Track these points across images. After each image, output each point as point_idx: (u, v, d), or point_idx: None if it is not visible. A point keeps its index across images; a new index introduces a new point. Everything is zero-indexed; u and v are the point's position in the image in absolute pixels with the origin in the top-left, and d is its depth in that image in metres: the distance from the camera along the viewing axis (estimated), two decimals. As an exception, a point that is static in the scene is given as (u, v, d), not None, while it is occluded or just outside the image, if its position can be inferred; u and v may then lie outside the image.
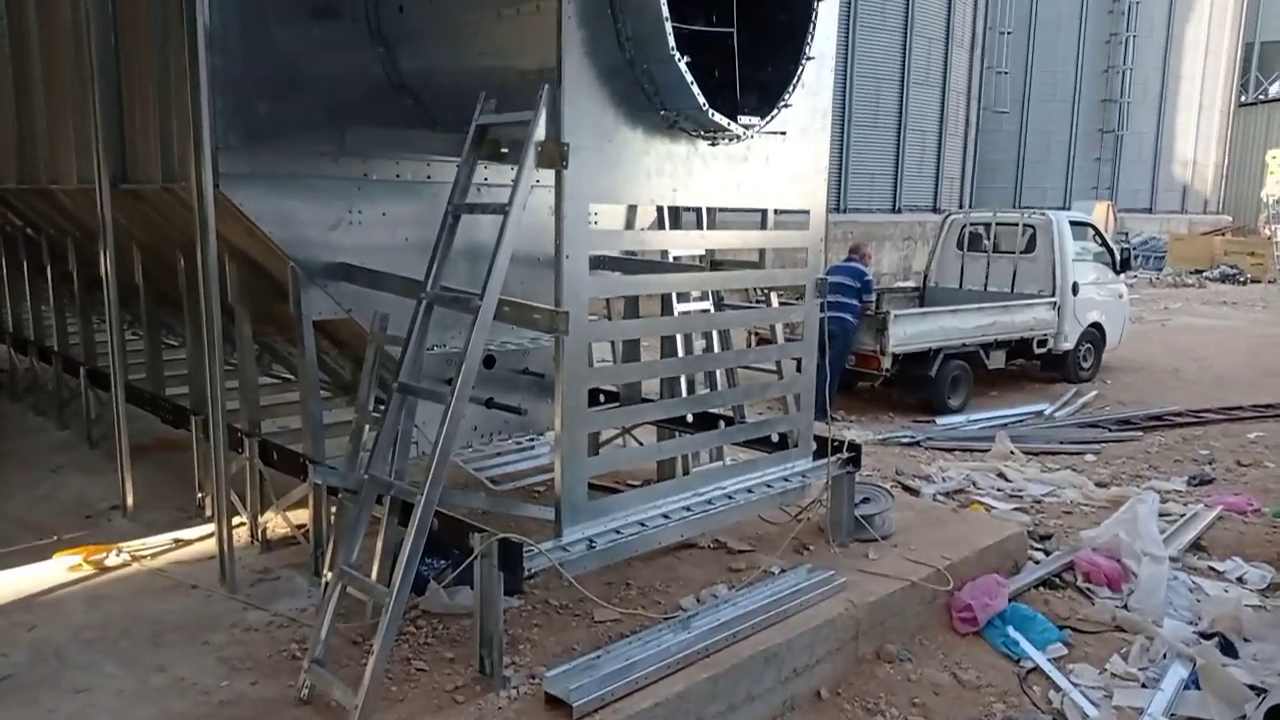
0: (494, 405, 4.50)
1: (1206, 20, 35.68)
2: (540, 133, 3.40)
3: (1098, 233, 12.89)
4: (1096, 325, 12.39)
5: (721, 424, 5.02)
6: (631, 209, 5.40)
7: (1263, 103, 46.02)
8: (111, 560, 4.75)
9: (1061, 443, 9.06)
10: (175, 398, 5.89)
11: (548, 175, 3.49)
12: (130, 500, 5.37)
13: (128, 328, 6.61)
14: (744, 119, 3.91)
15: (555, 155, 3.38)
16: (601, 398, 5.47)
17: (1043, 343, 11.77)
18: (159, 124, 4.56)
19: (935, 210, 23.57)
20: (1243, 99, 43.02)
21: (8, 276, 8.30)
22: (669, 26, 3.37)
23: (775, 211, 4.84)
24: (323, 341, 4.70)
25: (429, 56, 4.34)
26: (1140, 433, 9.54)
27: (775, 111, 4.01)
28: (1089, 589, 5.22)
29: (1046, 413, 10.58)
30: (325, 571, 4.12)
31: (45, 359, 7.60)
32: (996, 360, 11.31)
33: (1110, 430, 9.60)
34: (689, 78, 3.52)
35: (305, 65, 4.24)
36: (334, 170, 4.32)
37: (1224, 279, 28.25)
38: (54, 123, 5.82)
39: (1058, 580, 5.29)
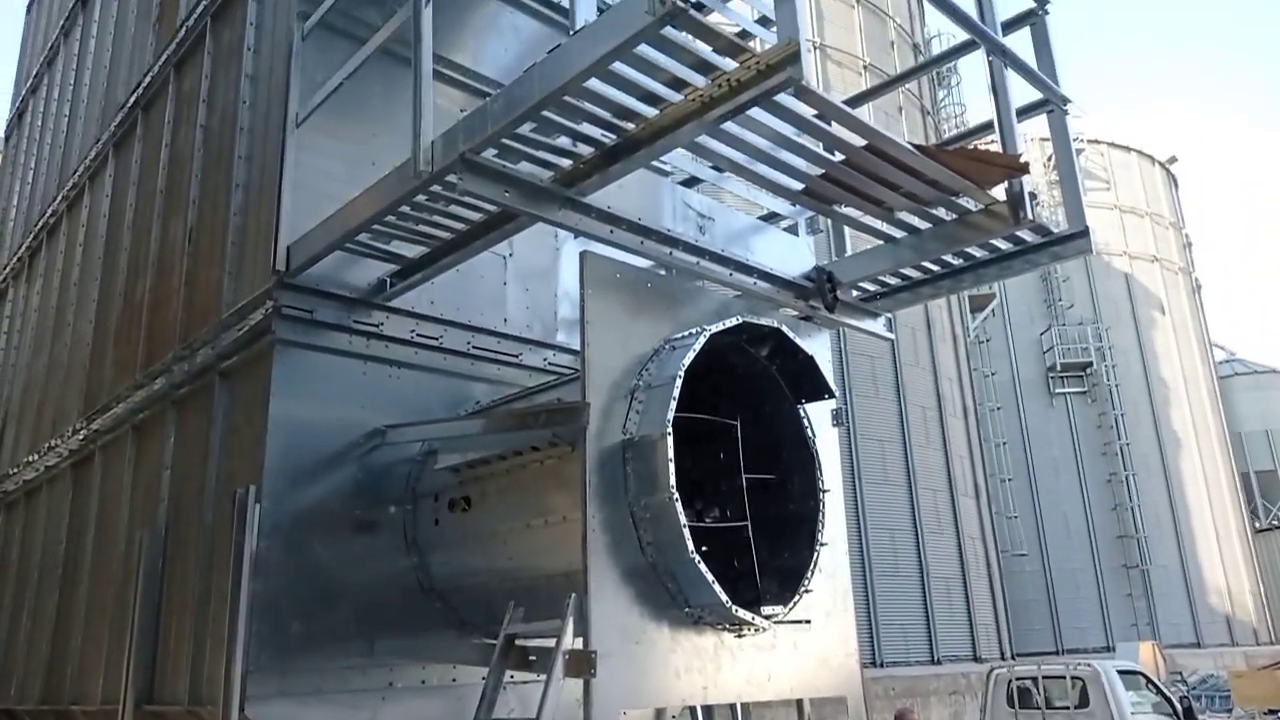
0: None
1: (1197, 455, 37.24)
2: (568, 641, 3.43)
3: (1150, 681, 12.28)
4: (1181, 789, 11.28)
5: None
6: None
7: (1278, 528, 46.42)
8: None
9: None
10: None
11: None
12: None
13: None
14: (766, 609, 3.94)
15: (584, 664, 3.37)
16: None
17: (1130, 813, 10.62)
18: (192, 646, 4.64)
19: (976, 659, 22.61)
20: (1257, 525, 43.47)
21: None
22: (687, 533, 3.55)
23: (811, 701, 4.68)
24: None
25: (460, 563, 4.54)
26: None
27: (797, 599, 4.06)
28: None
29: None
30: None
31: None
32: (1082, 836, 10.11)
33: None
34: (710, 577, 3.62)
35: (341, 578, 4.43)
36: (360, 682, 4.30)
37: (1304, 717, 26.08)
38: (88, 643, 5.92)
39: None
